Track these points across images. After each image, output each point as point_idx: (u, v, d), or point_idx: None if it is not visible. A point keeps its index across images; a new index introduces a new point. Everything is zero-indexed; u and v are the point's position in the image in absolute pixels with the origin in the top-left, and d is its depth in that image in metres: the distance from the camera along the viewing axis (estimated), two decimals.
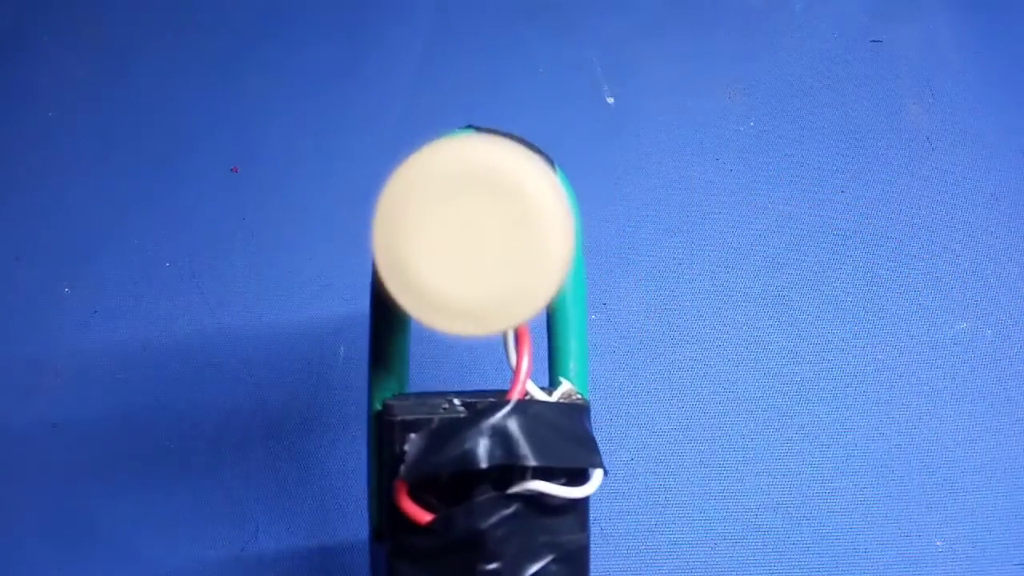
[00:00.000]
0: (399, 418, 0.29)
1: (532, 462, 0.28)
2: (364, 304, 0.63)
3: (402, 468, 0.28)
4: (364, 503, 0.57)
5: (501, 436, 0.28)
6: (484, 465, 0.27)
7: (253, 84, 0.70)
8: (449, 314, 0.26)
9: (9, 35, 0.73)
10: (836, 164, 0.64)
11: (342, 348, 0.61)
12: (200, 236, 0.64)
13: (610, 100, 0.67)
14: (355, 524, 0.57)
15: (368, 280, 0.67)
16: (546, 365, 0.36)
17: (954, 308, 0.60)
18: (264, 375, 0.60)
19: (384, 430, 0.30)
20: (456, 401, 0.30)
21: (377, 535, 0.33)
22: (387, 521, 0.31)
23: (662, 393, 0.59)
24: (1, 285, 0.64)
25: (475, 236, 0.26)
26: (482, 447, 0.27)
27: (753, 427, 0.57)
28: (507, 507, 0.28)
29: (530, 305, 0.26)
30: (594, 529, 0.54)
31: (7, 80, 0.71)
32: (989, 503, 0.55)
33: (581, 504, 0.31)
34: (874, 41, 0.68)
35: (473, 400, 0.30)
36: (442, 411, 0.29)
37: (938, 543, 0.55)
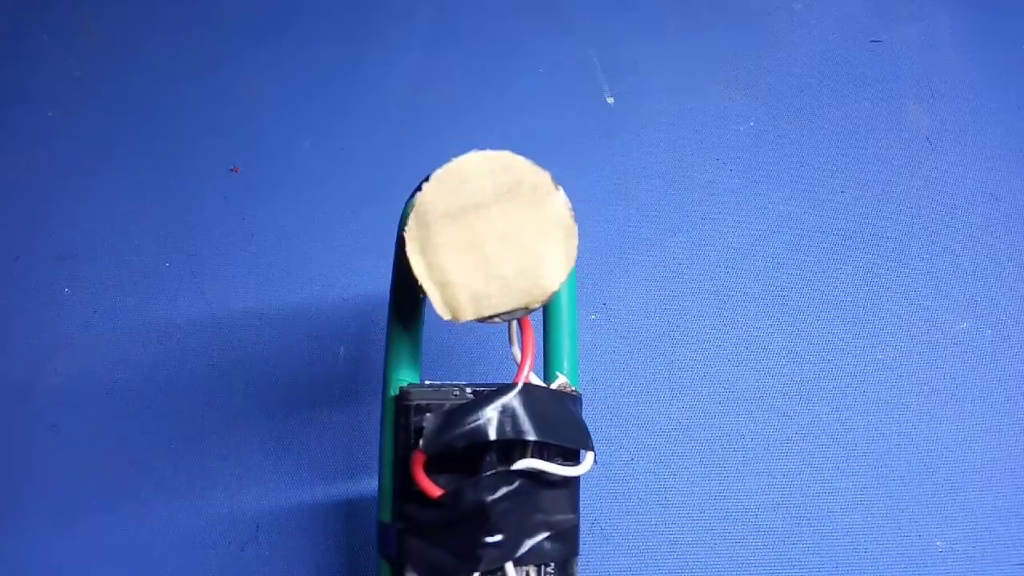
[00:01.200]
0: (415, 402, 0.33)
1: (534, 437, 0.31)
2: (364, 304, 0.63)
3: (420, 441, 0.31)
4: (364, 501, 0.57)
5: (510, 414, 0.31)
6: (494, 438, 0.31)
7: (253, 84, 0.70)
8: (471, 302, 0.31)
9: (8, 35, 0.73)
10: (836, 164, 0.64)
11: (342, 348, 0.61)
12: (200, 236, 0.64)
13: (610, 100, 0.67)
14: (355, 523, 0.57)
15: (369, 280, 0.67)
16: (539, 364, 0.37)
17: (954, 308, 0.60)
18: (264, 375, 0.60)
19: (400, 413, 0.34)
20: (467, 390, 0.33)
21: (389, 516, 0.35)
22: (399, 498, 0.34)
23: (662, 393, 0.59)
24: (1, 285, 0.64)
25: (497, 234, 0.31)
26: (493, 422, 0.31)
27: (753, 427, 0.58)
28: (510, 483, 0.31)
29: (541, 294, 0.31)
30: (594, 529, 0.54)
31: (6, 80, 0.71)
32: (989, 503, 0.55)
33: (573, 486, 0.34)
34: (874, 41, 0.68)
35: (480, 388, 0.33)
36: (453, 396, 0.33)
37: (938, 543, 0.55)
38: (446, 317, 0.31)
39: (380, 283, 0.62)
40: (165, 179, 0.67)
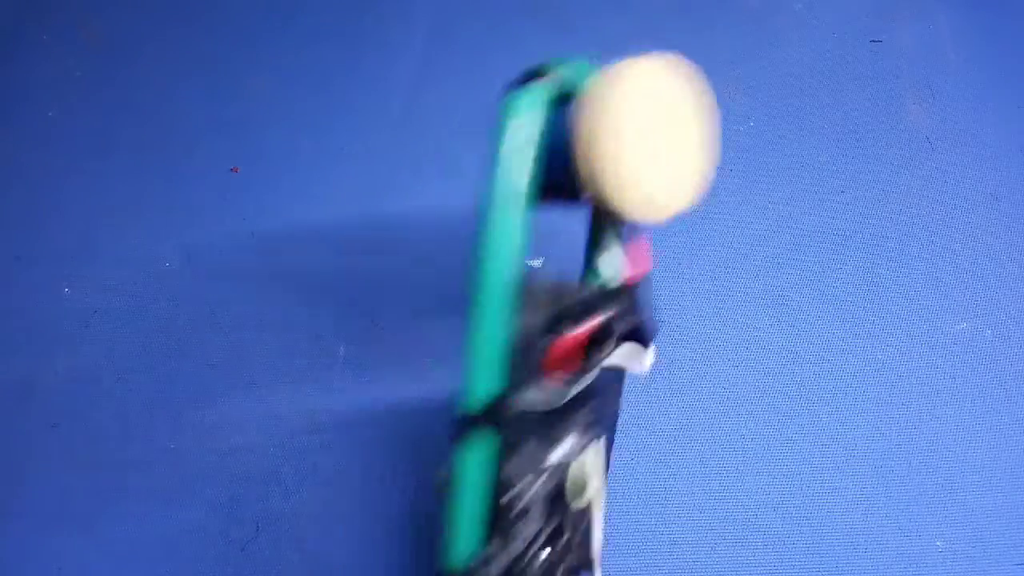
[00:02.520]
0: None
1: (645, 323, 0.37)
2: (364, 305, 0.63)
3: (560, 327, 0.34)
4: (360, 501, 0.57)
5: (629, 305, 0.37)
6: (621, 329, 0.35)
7: (253, 84, 0.70)
8: (649, 202, 0.33)
9: (8, 34, 0.73)
10: (836, 164, 0.64)
11: (342, 348, 0.61)
12: (200, 236, 0.65)
13: None
14: (354, 524, 0.57)
15: (369, 279, 0.67)
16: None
17: (954, 308, 0.60)
18: (264, 376, 0.60)
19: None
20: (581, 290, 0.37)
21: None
22: (512, 388, 0.35)
23: (662, 393, 0.59)
24: (1, 285, 0.64)
25: (664, 140, 0.33)
26: (619, 315, 0.35)
27: (753, 427, 0.57)
28: (608, 374, 0.36)
29: (694, 192, 0.34)
30: None
31: (6, 79, 0.71)
32: (989, 503, 0.55)
33: (623, 381, 0.42)
34: (874, 41, 0.68)
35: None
36: (574, 292, 0.36)
37: (938, 543, 0.55)
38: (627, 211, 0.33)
39: (380, 283, 0.62)
40: (165, 179, 0.67)
